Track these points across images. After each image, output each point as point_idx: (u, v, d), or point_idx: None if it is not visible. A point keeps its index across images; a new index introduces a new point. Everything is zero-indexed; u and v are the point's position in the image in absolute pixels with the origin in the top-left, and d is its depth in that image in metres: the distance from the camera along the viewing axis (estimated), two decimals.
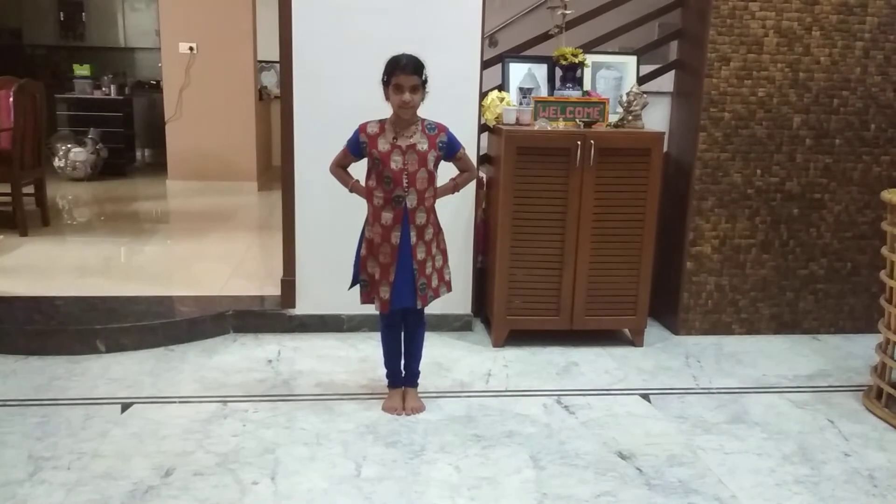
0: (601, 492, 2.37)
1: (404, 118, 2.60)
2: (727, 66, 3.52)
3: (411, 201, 2.62)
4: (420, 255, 2.67)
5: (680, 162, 3.75)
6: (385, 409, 2.87)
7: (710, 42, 3.49)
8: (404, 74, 2.53)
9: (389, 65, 2.57)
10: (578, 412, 2.92)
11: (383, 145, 2.60)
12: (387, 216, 2.63)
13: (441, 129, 2.67)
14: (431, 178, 2.65)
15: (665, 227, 3.72)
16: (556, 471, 2.49)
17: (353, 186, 2.74)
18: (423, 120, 2.66)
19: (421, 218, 2.65)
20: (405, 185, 2.60)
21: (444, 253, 2.78)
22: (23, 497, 2.24)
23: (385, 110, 2.66)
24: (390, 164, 2.59)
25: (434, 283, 2.75)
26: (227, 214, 6.16)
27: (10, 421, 2.71)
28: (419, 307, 2.74)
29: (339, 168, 2.75)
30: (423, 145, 2.61)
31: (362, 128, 2.65)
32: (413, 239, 2.65)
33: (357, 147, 2.65)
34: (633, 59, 3.77)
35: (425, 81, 2.58)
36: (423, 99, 2.60)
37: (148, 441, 2.59)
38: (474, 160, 3.55)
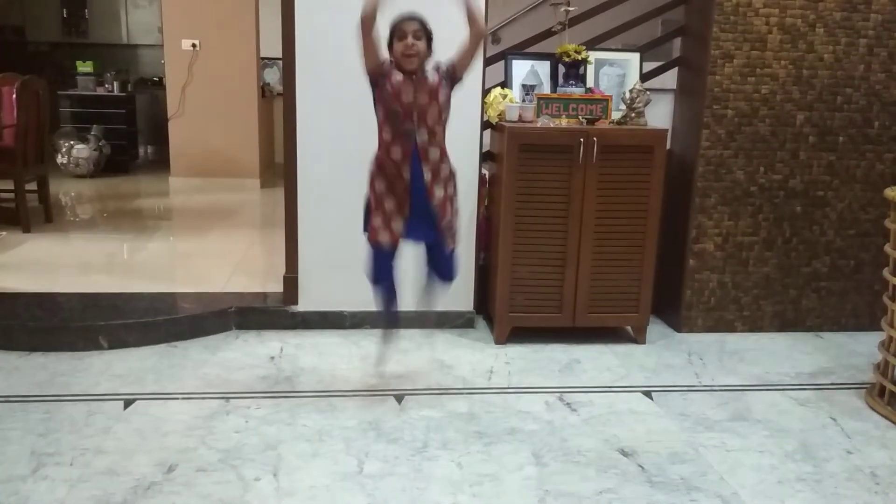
0: (603, 489, 2.37)
1: (408, 69, 2.55)
2: (730, 62, 3.51)
3: (421, 136, 2.58)
4: (439, 193, 2.64)
5: (683, 159, 3.74)
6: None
7: (714, 39, 3.49)
8: (405, 21, 2.54)
9: (392, 20, 2.56)
10: (580, 409, 2.92)
11: (396, 76, 2.57)
12: (396, 150, 2.60)
13: (440, 63, 2.62)
14: (441, 112, 2.61)
15: (668, 224, 3.71)
16: (558, 468, 2.49)
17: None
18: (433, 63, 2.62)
19: (434, 154, 2.61)
20: (415, 118, 2.57)
21: (454, 200, 2.72)
22: (25, 493, 2.25)
23: None
24: (401, 96, 2.55)
25: (454, 227, 2.70)
26: (230, 211, 6.16)
27: (12, 417, 2.72)
28: (450, 249, 2.71)
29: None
30: (433, 78, 2.59)
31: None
32: (428, 176, 2.61)
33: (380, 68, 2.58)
34: (636, 56, 3.76)
35: (430, 36, 2.57)
36: (428, 55, 2.58)
37: (150, 437, 2.59)
38: (476, 158, 3.56)
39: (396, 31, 2.56)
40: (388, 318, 2.93)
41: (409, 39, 2.52)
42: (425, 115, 2.58)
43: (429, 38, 2.58)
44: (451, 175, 2.71)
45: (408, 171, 2.60)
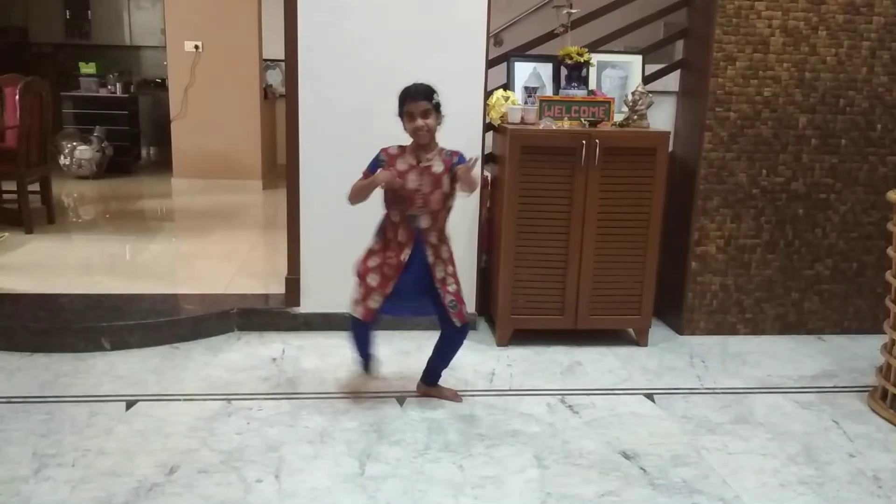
0: (605, 491, 2.37)
1: (422, 143, 2.65)
2: (733, 65, 3.51)
3: (424, 221, 2.66)
4: (440, 273, 2.72)
5: (685, 161, 3.74)
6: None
7: (716, 41, 3.48)
8: (413, 101, 2.60)
9: (401, 96, 2.63)
10: (582, 412, 2.92)
11: (401, 165, 2.66)
12: (402, 233, 2.68)
13: (456, 153, 2.72)
14: (446, 199, 2.68)
15: (670, 226, 3.71)
16: (559, 470, 2.49)
17: (377, 178, 2.61)
18: (442, 148, 2.71)
19: (434, 237, 2.69)
20: (419, 205, 2.64)
21: (455, 277, 2.79)
22: (27, 494, 2.25)
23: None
24: (407, 183, 2.63)
25: (458, 302, 2.77)
26: (232, 213, 6.16)
27: (15, 418, 2.72)
28: (458, 325, 2.78)
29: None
30: (438, 167, 2.66)
31: (383, 149, 2.70)
32: (430, 258, 2.70)
33: (377, 165, 2.68)
34: (638, 59, 3.76)
35: (438, 106, 2.63)
36: (438, 123, 2.66)
37: (152, 438, 2.60)
38: (479, 161, 3.55)
39: (405, 111, 2.62)
40: (365, 357, 2.95)
41: (419, 122, 2.60)
42: (429, 201, 2.64)
43: (437, 108, 2.63)
44: (451, 256, 2.78)
45: (407, 253, 2.68)
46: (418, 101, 2.59)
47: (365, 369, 2.98)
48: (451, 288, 2.75)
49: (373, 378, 2.99)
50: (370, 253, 2.75)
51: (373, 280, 2.71)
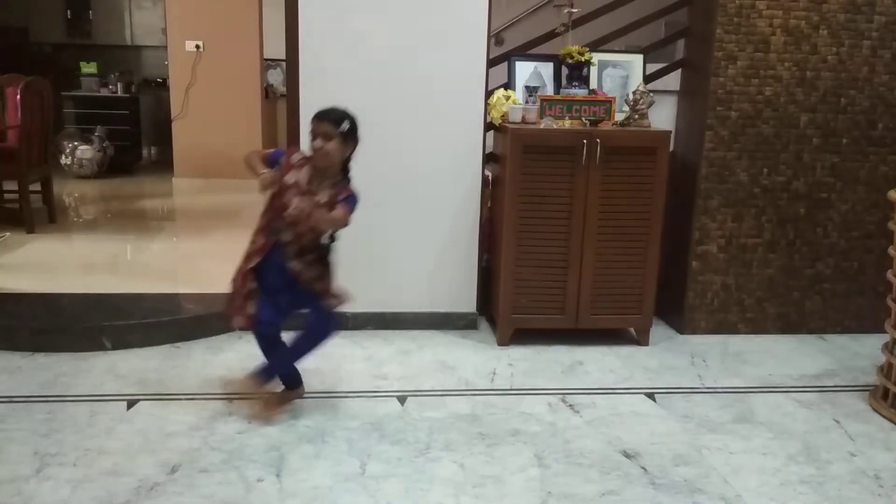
0: (606, 490, 2.37)
1: (320, 167, 2.55)
2: (734, 64, 3.51)
3: (286, 236, 2.58)
4: (307, 275, 2.63)
5: (686, 161, 3.74)
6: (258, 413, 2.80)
7: (717, 40, 3.48)
8: (317, 121, 2.52)
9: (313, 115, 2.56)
10: (583, 411, 2.92)
11: (291, 178, 2.56)
12: (260, 241, 2.63)
13: (348, 193, 2.58)
14: (315, 229, 2.57)
15: (671, 226, 3.71)
16: (560, 469, 2.49)
17: (262, 175, 2.55)
18: (342, 183, 2.60)
19: (292, 252, 2.60)
20: (287, 221, 2.55)
21: (329, 280, 2.70)
22: (29, 493, 2.25)
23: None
24: (284, 196, 2.55)
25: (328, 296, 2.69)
26: (233, 212, 6.15)
27: (16, 417, 2.72)
28: (327, 311, 2.70)
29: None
30: (322, 198, 2.55)
31: (290, 152, 2.62)
32: (296, 267, 2.60)
33: (276, 161, 2.60)
34: (639, 58, 3.76)
35: (345, 135, 2.52)
36: (341, 151, 2.54)
37: (153, 438, 2.60)
38: (479, 159, 3.56)
39: (312, 128, 2.53)
40: (287, 375, 2.87)
41: (316, 142, 2.51)
42: (295, 224, 2.54)
43: (345, 135, 2.52)
44: (318, 262, 2.66)
45: (257, 260, 2.63)
46: (321, 122, 2.50)
47: (289, 387, 2.87)
48: (320, 286, 2.66)
49: (301, 395, 2.89)
50: (243, 258, 2.68)
51: (240, 285, 2.66)
